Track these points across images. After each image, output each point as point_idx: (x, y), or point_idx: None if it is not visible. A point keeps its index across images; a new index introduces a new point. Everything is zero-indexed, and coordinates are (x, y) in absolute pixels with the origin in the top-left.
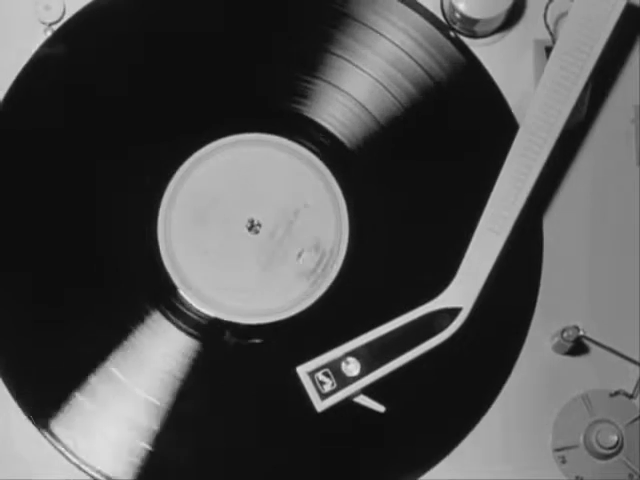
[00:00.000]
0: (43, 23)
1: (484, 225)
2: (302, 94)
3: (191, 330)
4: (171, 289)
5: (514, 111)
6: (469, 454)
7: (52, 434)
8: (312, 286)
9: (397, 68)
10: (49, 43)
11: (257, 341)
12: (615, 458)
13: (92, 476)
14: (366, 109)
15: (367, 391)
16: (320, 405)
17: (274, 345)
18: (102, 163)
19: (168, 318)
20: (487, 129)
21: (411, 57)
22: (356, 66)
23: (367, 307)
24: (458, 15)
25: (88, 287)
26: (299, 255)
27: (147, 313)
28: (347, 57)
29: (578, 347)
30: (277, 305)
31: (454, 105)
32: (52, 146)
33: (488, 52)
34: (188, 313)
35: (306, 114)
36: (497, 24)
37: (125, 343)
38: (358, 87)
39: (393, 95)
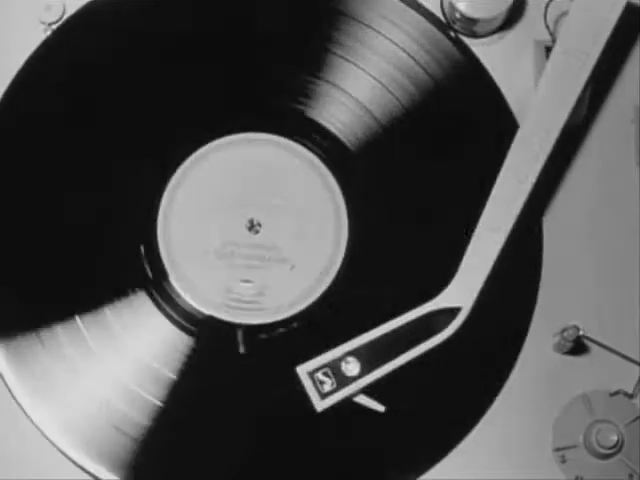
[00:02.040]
0: (43, 23)
1: (484, 225)
2: (303, 94)
3: (187, 326)
4: (166, 282)
5: (514, 111)
6: (469, 454)
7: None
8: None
9: (398, 68)
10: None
11: (263, 337)
12: (615, 458)
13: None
14: (367, 109)
15: (367, 391)
16: (320, 405)
17: (274, 344)
18: (101, 162)
19: (155, 303)
20: (487, 129)
21: (411, 56)
22: (357, 66)
23: (367, 307)
24: (458, 15)
25: (86, 286)
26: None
27: (133, 291)
28: (347, 57)
29: (578, 347)
30: (276, 305)
31: (454, 105)
32: (51, 145)
33: (488, 52)
34: (176, 305)
35: (307, 114)
36: (497, 24)
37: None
38: (359, 87)
39: (394, 95)
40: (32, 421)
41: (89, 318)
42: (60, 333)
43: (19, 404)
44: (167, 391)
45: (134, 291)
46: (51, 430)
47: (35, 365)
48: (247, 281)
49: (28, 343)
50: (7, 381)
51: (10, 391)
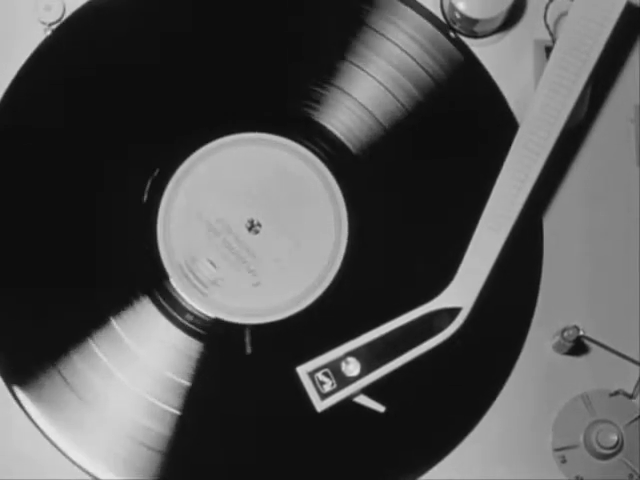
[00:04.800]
0: (43, 23)
1: (484, 225)
2: (307, 96)
3: (183, 324)
4: (166, 283)
5: (514, 111)
6: (469, 454)
7: (20, 398)
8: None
9: (400, 71)
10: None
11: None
12: (615, 458)
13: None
14: (368, 110)
15: (367, 391)
16: (320, 405)
17: (274, 345)
18: (101, 163)
19: (160, 308)
20: (487, 129)
21: (414, 59)
22: (360, 68)
23: (367, 307)
24: (458, 15)
25: (86, 286)
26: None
27: (137, 299)
28: (353, 60)
29: (578, 347)
30: (276, 305)
31: (455, 105)
32: (51, 145)
33: (488, 52)
34: (179, 308)
35: (306, 115)
36: (497, 24)
37: (111, 325)
38: (361, 89)
39: (394, 96)
40: (40, 429)
41: (100, 335)
42: (76, 360)
43: (52, 442)
44: (179, 398)
45: (138, 298)
46: (64, 445)
47: (61, 399)
48: (213, 264)
49: (50, 379)
50: (38, 423)
51: (43, 433)
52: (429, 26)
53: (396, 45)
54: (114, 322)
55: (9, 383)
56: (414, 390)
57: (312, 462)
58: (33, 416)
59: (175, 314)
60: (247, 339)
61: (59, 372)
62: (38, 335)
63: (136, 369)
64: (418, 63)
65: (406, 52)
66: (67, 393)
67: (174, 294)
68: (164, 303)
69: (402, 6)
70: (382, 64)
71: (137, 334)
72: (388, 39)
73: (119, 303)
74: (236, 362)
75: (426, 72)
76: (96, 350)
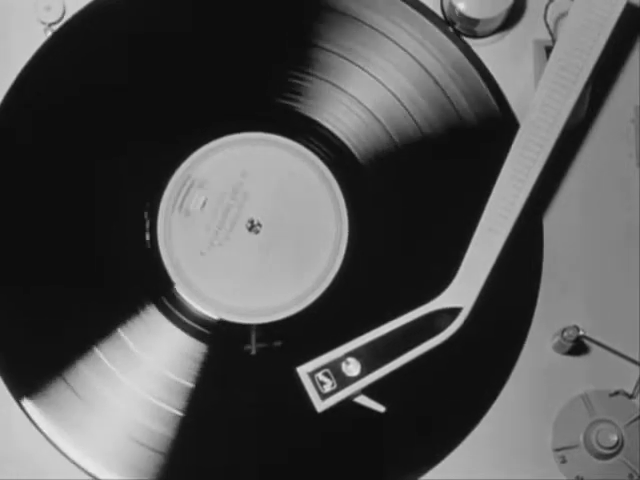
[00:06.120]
0: (43, 23)
1: (484, 225)
2: (305, 94)
3: (188, 327)
4: (169, 287)
5: (514, 111)
6: (469, 454)
7: (28, 410)
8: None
9: (401, 70)
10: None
11: (278, 344)
12: (615, 458)
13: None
14: (369, 111)
15: (367, 391)
16: (320, 405)
17: (274, 345)
18: (102, 162)
19: (165, 314)
20: (487, 129)
21: (414, 58)
22: (363, 70)
23: (367, 307)
24: (458, 15)
25: (87, 286)
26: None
27: (142, 307)
28: (355, 61)
29: (578, 347)
30: (277, 305)
31: (454, 105)
32: (52, 146)
33: (488, 52)
34: (183, 312)
35: (308, 114)
36: (497, 24)
37: (117, 334)
38: (363, 90)
39: (394, 95)
40: (42, 432)
41: (105, 345)
42: (83, 369)
43: (52, 442)
44: (187, 400)
45: (143, 307)
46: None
47: (69, 409)
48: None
49: (58, 390)
50: (47, 434)
51: (43, 433)
52: (428, 25)
53: (396, 45)
54: (120, 331)
55: (16, 395)
56: (414, 390)
57: (312, 462)
58: (39, 424)
59: (185, 320)
60: (252, 339)
61: (64, 379)
62: (43, 345)
63: (139, 372)
64: (417, 62)
65: (406, 51)
66: (72, 399)
67: (179, 299)
68: (170, 308)
69: (403, 5)
70: (386, 65)
71: (142, 340)
72: (389, 39)
73: (125, 312)
74: (237, 363)
75: (425, 71)
76: (101, 356)
